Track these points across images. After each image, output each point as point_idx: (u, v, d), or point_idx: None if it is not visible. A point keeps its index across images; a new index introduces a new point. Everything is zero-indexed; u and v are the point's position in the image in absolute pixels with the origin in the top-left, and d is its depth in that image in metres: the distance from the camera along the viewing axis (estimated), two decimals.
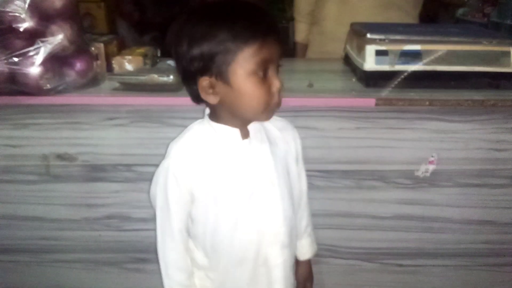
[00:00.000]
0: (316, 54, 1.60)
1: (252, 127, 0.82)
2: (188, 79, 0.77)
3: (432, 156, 1.09)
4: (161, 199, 0.81)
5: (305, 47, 1.65)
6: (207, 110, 0.83)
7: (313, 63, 1.53)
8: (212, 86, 0.74)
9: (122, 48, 1.30)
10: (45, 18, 0.98)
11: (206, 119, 0.82)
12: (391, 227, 1.16)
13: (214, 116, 0.81)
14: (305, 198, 0.95)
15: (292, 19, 3.25)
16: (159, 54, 1.33)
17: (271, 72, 0.74)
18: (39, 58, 0.97)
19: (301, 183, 0.93)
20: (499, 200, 1.14)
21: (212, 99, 0.75)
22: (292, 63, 1.46)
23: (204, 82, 0.73)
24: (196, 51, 0.71)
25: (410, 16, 1.48)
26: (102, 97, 1.05)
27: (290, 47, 1.96)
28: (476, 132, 1.08)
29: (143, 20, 3.60)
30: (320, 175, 1.10)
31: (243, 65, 0.71)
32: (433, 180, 1.11)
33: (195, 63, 0.72)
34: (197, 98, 0.79)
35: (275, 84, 0.74)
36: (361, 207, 1.14)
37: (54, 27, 1.00)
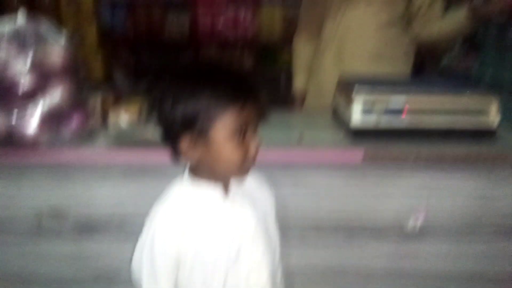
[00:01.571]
0: (313, 104, 1.65)
1: (233, 182, 0.84)
2: (170, 137, 0.80)
3: (420, 210, 1.11)
4: (147, 268, 0.80)
5: (304, 96, 1.71)
6: (188, 166, 0.85)
7: (306, 115, 1.57)
8: (192, 144, 0.77)
9: (119, 98, 1.33)
10: (45, 75, 1.02)
11: (187, 176, 0.84)
12: (383, 281, 1.16)
13: (195, 171, 0.83)
14: (278, 254, 0.96)
15: (284, 68, 3.35)
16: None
17: (249, 134, 0.78)
18: (37, 114, 0.99)
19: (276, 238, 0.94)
20: (488, 252, 1.15)
21: (192, 156, 0.78)
22: (286, 114, 1.50)
23: (185, 139, 0.77)
24: (179, 110, 0.75)
25: (403, 66, 1.55)
26: (97, 153, 1.06)
27: (280, 96, 2.02)
28: (462, 185, 1.10)
29: (139, 66, 3.70)
30: (310, 232, 1.12)
31: (223, 126, 0.75)
32: (422, 234, 1.13)
33: (178, 121, 0.76)
34: (176, 156, 0.81)
35: (253, 146, 0.78)
36: (352, 262, 1.15)
37: (53, 84, 1.03)
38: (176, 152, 0.81)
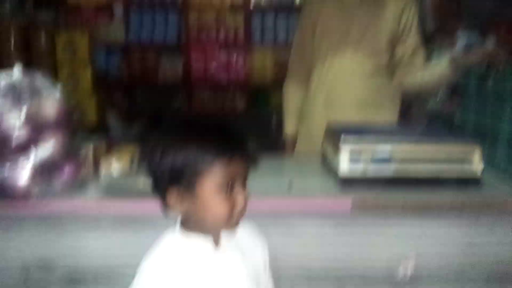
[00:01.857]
0: (304, 148, 1.68)
1: (224, 233, 0.85)
2: (158, 189, 0.81)
3: (410, 258, 1.11)
4: None
5: (295, 140, 1.73)
6: (179, 217, 0.86)
7: (296, 161, 1.60)
8: (180, 197, 0.78)
9: (111, 147, 1.35)
10: (39, 128, 1.04)
11: (178, 227, 0.85)
12: None
13: (185, 223, 0.84)
14: None
15: (276, 110, 3.41)
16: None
17: (237, 188, 0.79)
18: (28, 166, 1.01)
19: None
20: None
21: (180, 209, 0.80)
22: (276, 160, 1.52)
23: (172, 192, 0.78)
24: (167, 162, 0.77)
25: (390, 112, 1.60)
26: (87, 204, 1.07)
27: (272, 138, 2.05)
28: (450, 232, 1.12)
29: (133, 109, 3.74)
30: (301, 281, 1.11)
31: (210, 180, 0.76)
32: (413, 281, 1.12)
33: (166, 174, 0.77)
34: (165, 208, 0.82)
35: (240, 201, 0.79)
36: None
37: (46, 136, 1.05)
38: (164, 204, 0.82)
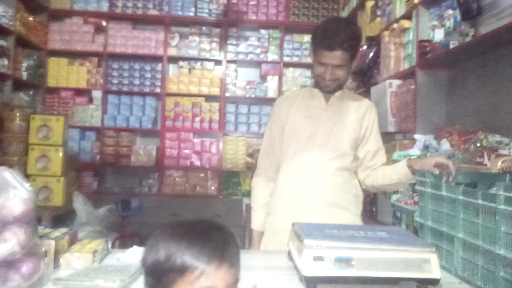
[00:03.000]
0: (270, 243, 1.68)
1: None
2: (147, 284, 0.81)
3: None
4: None
5: (261, 234, 1.74)
6: None
7: (261, 257, 1.59)
8: None
9: (74, 240, 1.33)
10: (3, 223, 1.02)
11: None
12: None
13: None
14: None
15: (247, 194, 3.44)
16: (109, 247, 1.37)
17: None
18: None
19: None
20: None
21: None
22: (245, 254, 1.51)
23: None
24: (151, 261, 0.79)
25: (351, 213, 1.66)
26: None
27: (240, 222, 2.06)
28: None
29: (102, 190, 3.71)
30: None
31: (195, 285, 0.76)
32: None
33: (149, 272, 0.80)
34: None
35: None
36: None
37: (8, 234, 1.03)
38: None
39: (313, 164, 1.63)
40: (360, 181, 1.70)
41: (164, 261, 0.78)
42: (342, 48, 1.51)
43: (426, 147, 2.06)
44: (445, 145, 1.96)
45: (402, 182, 1.64)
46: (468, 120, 2.32)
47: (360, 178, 1.70)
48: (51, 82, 3.96)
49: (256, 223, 1.75)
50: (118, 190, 3.75)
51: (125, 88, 4.00)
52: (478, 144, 1.87)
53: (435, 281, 1.17)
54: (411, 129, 2.52)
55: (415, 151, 2.11)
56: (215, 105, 4.09)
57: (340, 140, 1.63)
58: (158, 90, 4.03)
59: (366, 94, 3.11)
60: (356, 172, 1.71)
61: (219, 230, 0.84)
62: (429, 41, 2.45)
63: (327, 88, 1.62)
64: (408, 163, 1.56)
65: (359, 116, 1.66)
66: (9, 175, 1.10)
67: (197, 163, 4.00)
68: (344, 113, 1.66)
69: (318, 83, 1.65)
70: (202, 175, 4.00)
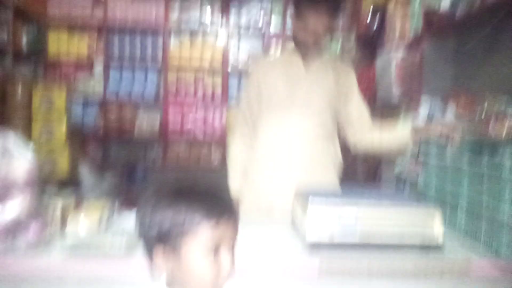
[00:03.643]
0: (247, 206, 1.67)
1: None
2: (146, 246, 0.83)
3: None
4: None
5: (238, 196, 1.72)
6: (164, 275, 0.85)
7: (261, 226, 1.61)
8: (165, 256, 0.79)
9: (80, 200, 1.34)
10: (6, 188, 1.03)
11: (161, 284, 0.84)
12: None
13: (170, 282, 0.83)
14: None
15: None
16: (116, 206, 1.38)
17: (222, 252, 0.80)
18: None
19: None
20: None
21: (164, 268, 0.80)
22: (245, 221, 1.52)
23: (158, 251, 0.80)
24: (155, 221, 0.79)
25: (332, 173, 1.69)
26: (51, 264, 1.04)
27: None
28: None
29: (106, 161, 3.73)
30: None
31: (195, 242, 0.78)
32: None
33: (153, 233, 0.79)
34: (151, 266, 0.83)
35: (225, 265, 0.80)
36: None
37: (14, 195, 1.04)
38: (150, 262, 0.82)
39: (293, 126, 1.63)
40: (353, 144, 1.72)
41: (164, 226, 0.79)
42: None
43: (431, 113, 2.05)
44: (452, 111, 1.94)
45: (402, 146, 1.63)
46: (476, 88, 2.29)
47: (352, 140, 1.72)
48: (52, 55, 3.93)
49: (232, 184, 1.74)
50: (121, 161, 3.77)
51: (126, 61, 3.97)
52: (485, 111, 1.85)
53: (438, 244, 1.19)
54: (417, 101, 2.49)
55: (420, 116, 2.09)
56: (218, 78, 4.05)
57: (319, 104, 1.64)
58: (159, 63, 4.00)
59: (371, 65, 3.07)
60: (347, 136, 1.71)
61: (213, 186, 0.86)
62: (435, 10, 2.39)
63: (307, 43, 1.60)
64: (412, 130, 1.56)
65: (338, 80, 1.66)
66: (12, 139, 1.11)
67: (200, 136, 4.00)
68: (323, 77, 1.66)
69: (297, 41, 1.63)
70: (205, 148, 4.00)
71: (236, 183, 1.74)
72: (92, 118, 3.87)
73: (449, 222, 1.34)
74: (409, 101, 2.68)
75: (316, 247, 1.14)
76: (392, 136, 1.64)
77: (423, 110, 2.19)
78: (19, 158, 1.06)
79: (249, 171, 1.71)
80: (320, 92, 1.64)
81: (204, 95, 4.04)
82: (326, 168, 1.67)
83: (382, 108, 2.81)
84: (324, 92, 1.64)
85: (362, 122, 1.70)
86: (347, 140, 1.75)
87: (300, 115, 1.63)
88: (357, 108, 1.70)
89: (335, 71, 1.68)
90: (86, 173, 2.86)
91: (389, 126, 1.70)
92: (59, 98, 2.91)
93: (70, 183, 2.70)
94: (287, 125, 1.64)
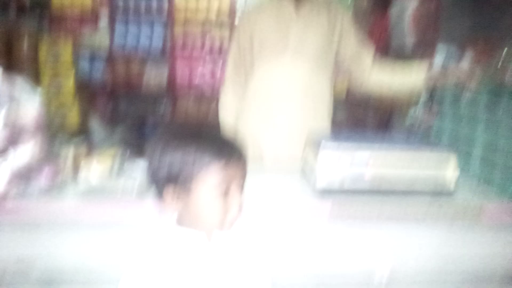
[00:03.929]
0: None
1: (218, 232, 0.85)
2: (156, 186, 0.83)
3: (386, 263, 1.13)
4: None
5: None
6: (174, 214, 0.87)
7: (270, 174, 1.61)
8: (176, 195, 0.80)
9: (91, 149, 1.34)
10: (17, 133, 1.03)
11: (172, 222, 0.86)
12: None
13: (180, 221, 0.85)
14: None
15: None
16: (127, 155, 1.38)
17: (232, 192, 0.81)
18: (6, 170, 1.00)
19: None
20: None
21: (175, 207, 0.82)
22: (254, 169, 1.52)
23: (169, 189, 0.80)
24: (166, 161, 0.79)
25: (324, 119, 1.65)
26: (65, 208, 1.06)
27: None
28: (425, 238, 1.14)
29: (115, 115, 3.73)
30: (279, 287, 1.12)
31: (205, 181, 0.79)
32: (388, 286, 1.14)
33: (164, 172, 0.80)
34: (161, 206, 0.84)
35: (234, 205, 0.81)
36: None
37: (25, 139, 1.04)
38: (161, 202, 0.83)
39: (284, 75, 1.59)
40: (359, 84, 1.67)
41: (174, 166, 0.79)
42: None
43: (447, 61, 1.98)
44: (468, 59, 1.88)
45: (413, 89, 1.59)
46: (494, 35, 2.21)
47: (358, 81, 1.66)
48: (56, 7, 3.84)
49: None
50: (131, 115, 3.78)
51: (131, 14, 3.87)
52: (503, 59, 1.79)
53: (451, 188, 1.18)
54: (432, 49, 2.41)
55: (435, 64, 2.03)
56: (225, 32, 3.95)
57: (312, 49, 1.58)
58: (165, 15, 3.90)
59: (385, 14, 2.96)
60: (352, 78, 1.67)
61: (220, 129, 0.87)
62: None
63: None
64: (427, 76, 1.51)
65: (331, 22, 1.60)
66: (20, 84, 1.09)
67: (209, 90, 3.96)
68: (315, 21, 1.59)
69: None
70: (214, 102, 3.97)
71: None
72: (99, 72, 3.83)
73: (462, 169, 1.33)
74: (424, 50, 2.60)
75: (327, 192, 1.14)
76: (405, 79, 1.59)
77: (439, 58, 2.12)
78: (27, 103, 1.04)
79: (241, 120, 1.70)
80: (313, 36, 1.58)
81: (211, 49, 3.96)
82: (319, 114, 1.64)
83: (395, 58, 2.74)
84: (317, 36, 1.58)
85: (363, 63, 1.64)
86: (353, 81, 1.70)
87: (293, 60, 1.59)
88: (355, 48, 1.64)
89: (328, 14, 1.61)
90: (96, 127, 2.87)
91: (402, 69, 1.64)
92: (65, 51, 2.88)
93: (80, 135, 2.72)
94: (279, 72, 1.60)
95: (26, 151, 1.03)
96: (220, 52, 3.95)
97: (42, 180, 1.08)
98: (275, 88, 1.60)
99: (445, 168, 1.15)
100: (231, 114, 1.73)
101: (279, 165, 1.49)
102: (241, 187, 0.84)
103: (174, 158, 0.79)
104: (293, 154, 1.52)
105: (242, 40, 1.66)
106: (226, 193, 0.80)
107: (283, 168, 1.42)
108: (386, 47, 2.82)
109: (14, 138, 1.02)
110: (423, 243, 1.14)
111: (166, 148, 0.80)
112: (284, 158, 1.58)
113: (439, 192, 1.16)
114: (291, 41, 1.58)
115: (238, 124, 1.71)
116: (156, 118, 3.84)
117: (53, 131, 1.14)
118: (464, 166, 1.33)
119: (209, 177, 0.78)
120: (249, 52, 1.65)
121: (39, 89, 1.10)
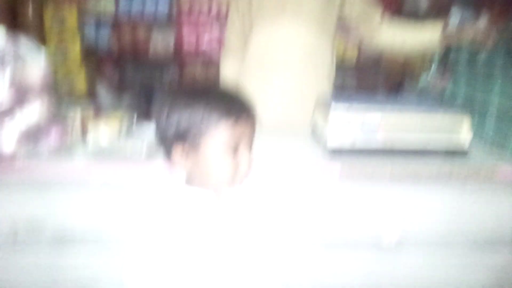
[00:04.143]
0: None
1: (226, 191, 0.85)
2: (165, 145, 0.83)
3: (396, 225, 1.13)
4: None
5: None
6: (183, 174, 0.86)
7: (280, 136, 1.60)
8: (185, 154, 0.80)
9: (99, 112, 1.33)
10: (23, 92, 1.02)
11: (180, 182, 0.86)
12: None
13: (189, 179, 0.86)
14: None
15: None
16: (135, 118, 1.37)
17: (241, 150, 0.81)
18: (14, 130, 0.99)
19: None
20: (464, 264, 1.17)
21: (184, 166, 0.82)
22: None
23: (178, 149, 0.80)
24: (173, 121, 0.79)
25: (325, 82, 1.61)
26: (74, 168, 1.06)
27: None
28: (436, 200, 1.13)
29: (122, 81, 3.71)
30: (288, 247, 1.12)
31: (214, 140, 0.78)
32: (398, 247, 1.14)
33: (172, 131, 0.79)
34: (170, 165, 0.84)
35: (243, 163, 0.81)
36: (328, 278, 1.16)
37: (31, 101, 1.03)
38: (169, 162, 0.83)
39: (284, 35, 1.55)
40: (369, 40, 1.62)
41: (183, 124, 0.78)
42: None
43: (462, 23, 1.92)
44: (484, 20, 1.81)
45: (428, 48, 1.54)
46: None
47: (369, 38, 1.61)
48: None
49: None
50: (138, 81, 3.76)
51: None
52: None
53: (465, 150, 1.16)
54: (446, 12, 2.33)
55: (449, 26, 1.96)
56: None
57: (311, 6, 1.53)
58: None
59: None
60: (360, 35, 1.63)
61: (228, 89, 0.86)
62: None
63: None
64: (443, 36, 1.46)
65: None
66: (25, 44, 1.07)
67: (216, 56, 3.91)
68: None
69: None
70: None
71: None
72: (105, 39, 3.78)
73: (476, 132, 1.30)
74: (438, 12, 2.51)
75: (337, 152, 1.12)
76: (418, 38, 1.54)
77: (453, 20, 2.05)
78: (33, 62, 1.03)
79: (241, 83, 1.67)
80: None
81: (218, 14, 3.88)
82: (319, 77, 1.60)
83: (408, 20, 2.65)
84: None
85: (372, 22, 1.59)
86: (363, 41, 1.65)
87: (292, 21, 1.54)
88: (362, 6, 1.58)
89: None
90: (103, 93, 2.85)
91: (415, 29, 1.59)
92: (71, 16, 2.83)
93: (87, 99, 2.71)
94: (278, 33, 1.55)
95: (33, 111, 1.02)
96: (227, 17, 3.87)
97: (51, 140, 1.08)
98: (274, 50, 1.57)
99: (458, 129, 1.13)
100: (232, 78, 1.71)
101: (278, 127, 1.47)
102: (250, 145, 0.83)
103: (183, 116, 0.78)
104: (292, 117, 1.50)
105: (240, 2, 1.62)
106: (235, 150, 0.80)
107: (283, 130, 1.41)
108: (399, 9, 2.73)
109: (20, 97, 1.00)
110: (435, 204, 1.13)
111: (175, 106, 0.80)
112: (283, 121, 1.56)
113: (452, 153, 1.14)
114: (290, 0, 1.54)
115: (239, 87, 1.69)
116: (163, 85, 3.82)
117: (60, 96, 1.12)
118: (478, 129, 1.30)
119: (218, 135, 0.78)
120: (248, 14, 1.61)
121: (44, 49, 1.08)
